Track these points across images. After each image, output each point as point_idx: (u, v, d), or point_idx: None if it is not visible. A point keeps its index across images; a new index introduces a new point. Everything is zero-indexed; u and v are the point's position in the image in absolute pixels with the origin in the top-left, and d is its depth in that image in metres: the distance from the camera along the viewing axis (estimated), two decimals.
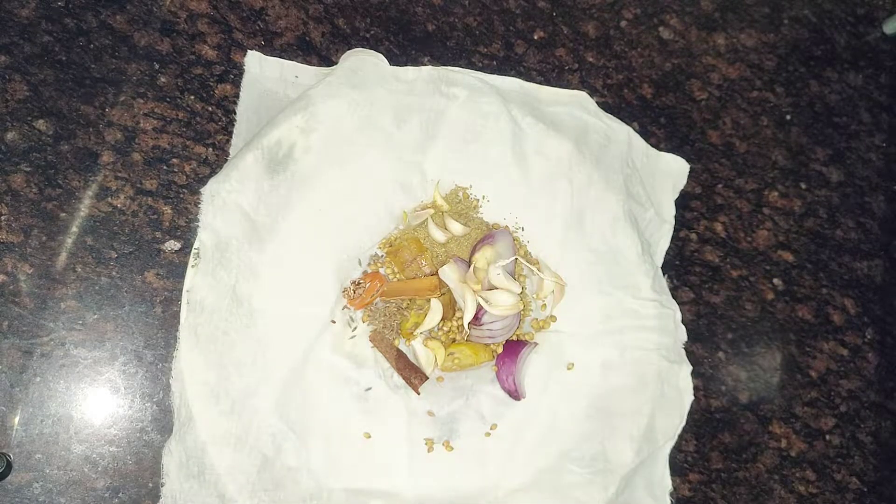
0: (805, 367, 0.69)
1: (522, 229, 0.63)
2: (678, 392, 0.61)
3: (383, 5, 0.66)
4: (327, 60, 0.63)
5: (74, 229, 0.54)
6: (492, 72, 0.65)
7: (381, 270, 0.60)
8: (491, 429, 0.58)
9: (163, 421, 0.53)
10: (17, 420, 0.50)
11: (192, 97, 0.59)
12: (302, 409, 0.54)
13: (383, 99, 0.60)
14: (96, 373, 0.53)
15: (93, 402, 0.52)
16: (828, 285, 0.72)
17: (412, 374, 0.57)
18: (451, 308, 0.59)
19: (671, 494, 0.60)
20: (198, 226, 0.53)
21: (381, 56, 0.61)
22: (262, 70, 0.60)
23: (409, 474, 0.56)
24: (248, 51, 0.60)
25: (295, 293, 0.56)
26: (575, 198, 0.62)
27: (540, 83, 0.66)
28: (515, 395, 0.59)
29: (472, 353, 0.58)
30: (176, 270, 0.55)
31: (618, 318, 0.61)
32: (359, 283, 0.58)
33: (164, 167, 0.57)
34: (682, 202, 0.69)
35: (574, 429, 0.59)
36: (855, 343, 0.71)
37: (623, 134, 0.66)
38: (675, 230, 0.67)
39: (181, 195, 0.57)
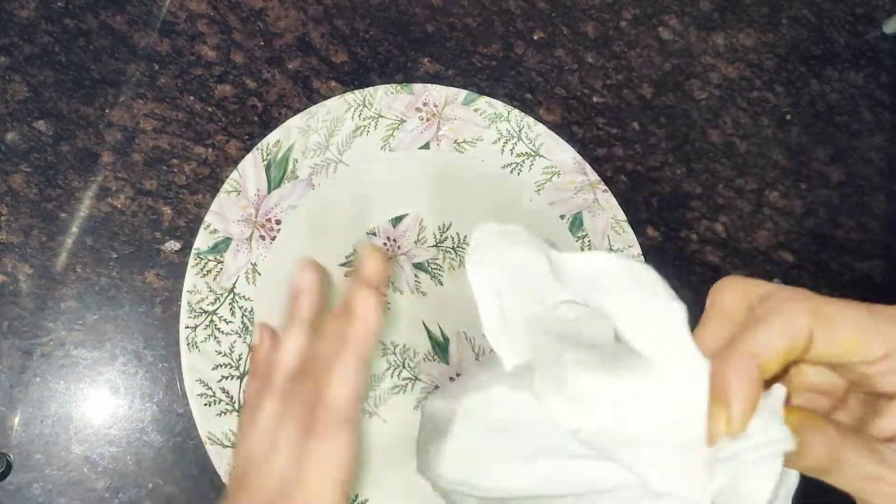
0: None
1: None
2: None
3: (383, 6, 0.66)
4: (327, 61, 0.63)
5: (74, 229, 0.54)
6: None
7: None
8: None
9: (163, 421, 0.53)
10: (17, 420, 0.50)
11: (192, 97, 0.59)
12: None
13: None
14: (96, 373, 0.53)
15: (93, 402, 0.52)
16: (828, 286, 0.72)
17: None
18: None
19: None
20: (198, 226, 0.53)
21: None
22: None
23: None
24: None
25: None
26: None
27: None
28: None
29: None
30: (176, 271, 0.55)
31: None
32: None
33: (164, 167, 0.57)
34: (683, 202, 0.69)
35: None
36: None
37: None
38: (675, 230, 0.67)
39: (181, 195, 0.57)
